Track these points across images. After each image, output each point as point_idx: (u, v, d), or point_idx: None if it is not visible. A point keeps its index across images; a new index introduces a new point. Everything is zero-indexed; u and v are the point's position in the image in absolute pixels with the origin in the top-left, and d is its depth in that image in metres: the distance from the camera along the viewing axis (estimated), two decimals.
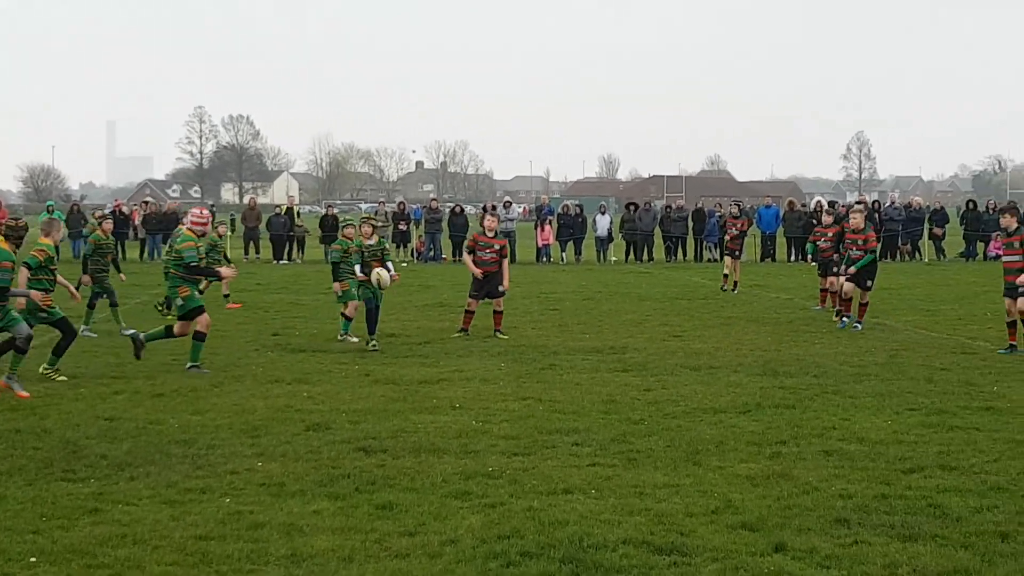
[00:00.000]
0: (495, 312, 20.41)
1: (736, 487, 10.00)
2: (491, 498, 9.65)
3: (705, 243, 47.05)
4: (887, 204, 50.55)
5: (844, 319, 21.82)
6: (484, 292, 20.29)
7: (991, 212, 46.79)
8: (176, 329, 16.81)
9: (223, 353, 18.00)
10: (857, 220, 22.10)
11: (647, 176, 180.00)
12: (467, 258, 20.90)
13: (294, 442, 11.76)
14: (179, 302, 16.68)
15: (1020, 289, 17.69)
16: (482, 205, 54.98)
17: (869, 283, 21.69)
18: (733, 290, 29.96)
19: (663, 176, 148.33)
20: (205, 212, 17.65)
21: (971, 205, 48.06)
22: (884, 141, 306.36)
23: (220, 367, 16.62)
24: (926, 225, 46.53)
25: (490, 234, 20.67)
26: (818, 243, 25.27)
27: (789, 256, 45.62)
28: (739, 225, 31.22)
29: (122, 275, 22.96)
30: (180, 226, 18.57)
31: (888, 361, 17.42)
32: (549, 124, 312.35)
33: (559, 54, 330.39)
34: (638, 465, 10.85)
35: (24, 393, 14.19)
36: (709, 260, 45.95)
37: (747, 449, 11.47)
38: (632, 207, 48.01)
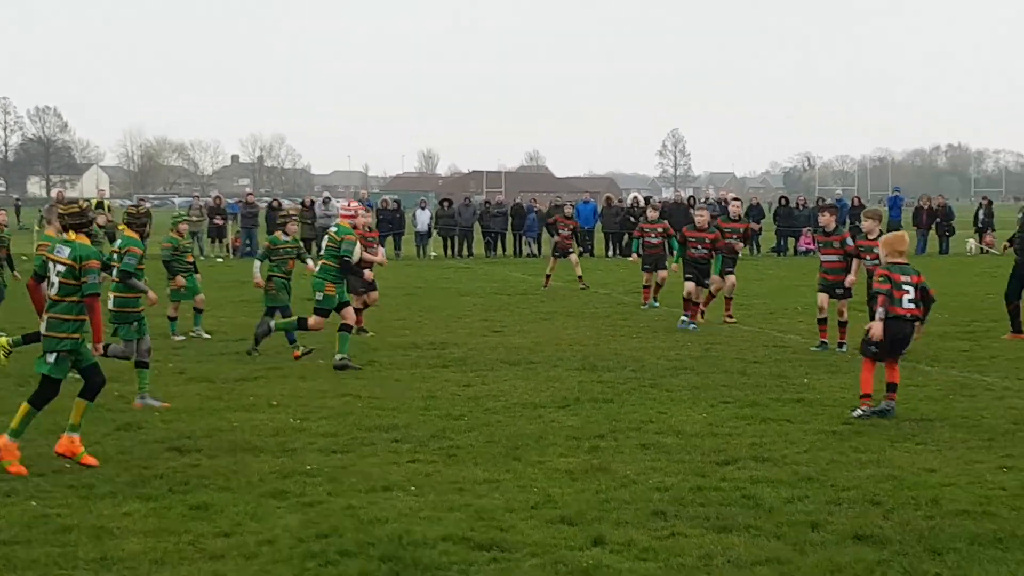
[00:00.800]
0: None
1: (555, 481, 10.04)
2: (309, 497, 9.51)
3: (524, 238, 47.31)
4: (702, 200, 51.54)
5: (690, 324, 21.07)
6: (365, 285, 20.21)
7: (800, 208, 48.15)
8: (311, 323, 16.73)
9: (29, 352, 17.38)
10: (702, 219, 21.63)
11: (467, 171, 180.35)
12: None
13: (104, 442, 11.43)
14: (319, 296, 16.63)
15: (839, 291, 18.10)
16: (300, 200, 54.20)
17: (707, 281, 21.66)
18: (582, 286, 29.90)
19: (483, 171, 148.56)
20: (354, 204, 17.75)
21: (783, 201, 49.37)
22: (698, 138, 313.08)
23: (27, 365, 16.03)
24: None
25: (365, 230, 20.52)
26: (644, 239, 25.36)
27: (607, 251, 46.15)
28: (571, 225, 31.32)
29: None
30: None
31: (703, 355, 17.73)
32: (368, 118, 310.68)
33: (377, 47, 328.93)
34: (458, 461, 10.81)
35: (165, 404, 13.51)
36: (528, 255, 46.22)
37: (566, 443, 11.53)
38: (446, 203, 47.98)
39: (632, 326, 21.64)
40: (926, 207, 47.64)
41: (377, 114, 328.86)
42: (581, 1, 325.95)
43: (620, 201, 51.97)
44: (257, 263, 18.75)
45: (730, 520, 8.83)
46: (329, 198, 51.37)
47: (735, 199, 25.13)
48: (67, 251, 10.66)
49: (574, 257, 30.87)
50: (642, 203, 46.32)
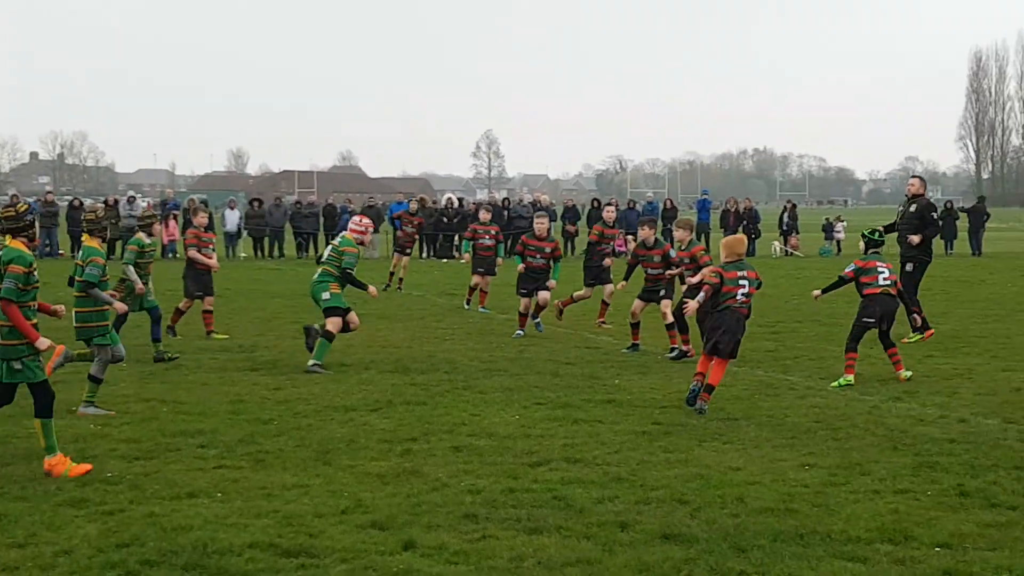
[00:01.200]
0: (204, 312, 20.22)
1: (366, 486, 9.92)
2: (110, 505, 9.21)
3: None
4: (516, 201, 51.82)
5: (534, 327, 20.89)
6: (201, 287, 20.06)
7: (629, 207, 48.70)
8: (332, 327, 16.51)
9: None
10: (542, 227, 20.89)
11: (278, 171, 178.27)
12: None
13: None
14: (326, 297, 16.60)
15: (662, 293, 18.36)
16: (103, 199, 52.78)
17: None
18: (398, 287, 29.78)
19: (294, 171, 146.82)
20: (365, 220, 17.81)
21: (596, 203, 49.85)
22: (513, 140, 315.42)
23: None
24: (559, 223, 47.94)
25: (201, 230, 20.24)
26: (477, 241, 25.15)
27: (421, 253, 46.07)
28: (415, 223, 31.07)
29: None
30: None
31: (517, 357, 17.77)
32: (174, 115, 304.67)
33: (181, 41, 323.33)
34: (267, 466, 10.61)
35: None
36: None
37: (378, 447, 11.41)
38: (257, 203, 47.28)
39: (447, 328, 21.60)
40: (733, 210, 48.78)
41: (184, 111, 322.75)
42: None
43: (434, 202, 51.96)
44: (131, 268, 17.98)
45: (541, 521, 8.83)
46: (134, 197, 50.20)
47: (608, 205, 24.61)
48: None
49: (406, 260, 30.71)
50: (456, 204, 46.42)
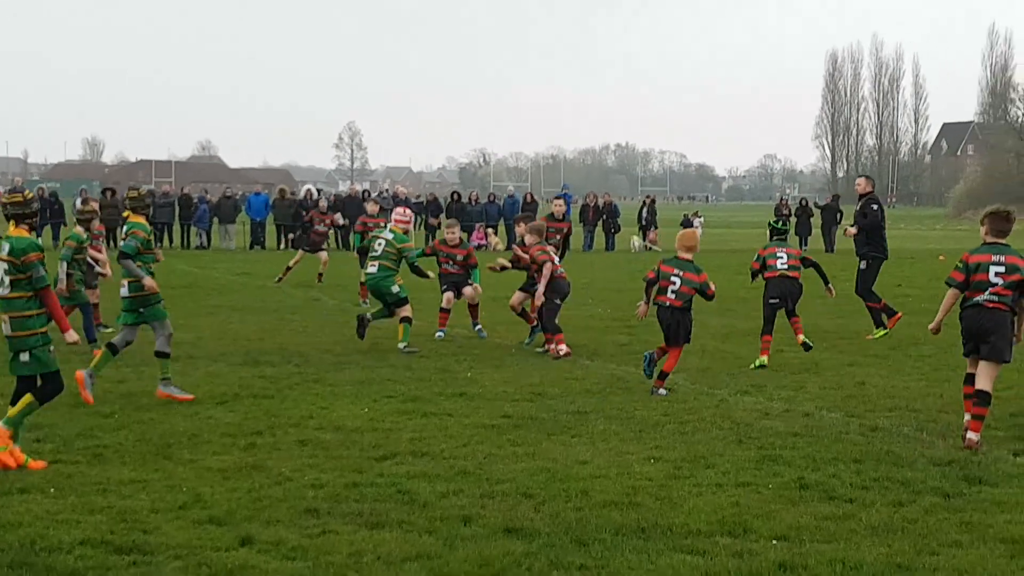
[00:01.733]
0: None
1: (206, 481, 9.72)
2: None
3: (195, 229, 46.22)
4: (376, 193, 51.51)
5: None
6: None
7: (473, 203, 48.69)
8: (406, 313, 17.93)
9: None
10: (453, 235, 19.96)
11: (134, 160, 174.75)
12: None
13: None
14: (395, 290, 17.98)
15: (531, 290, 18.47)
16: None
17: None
18: (277, 280, 29.12)
19: (151, 160, 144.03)
20: (408, 211, 19.36)
21: (455, 196, 49.74)
22: (375, 131, 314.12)
23: None
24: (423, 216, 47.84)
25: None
26: (364, 233, 24.35)
27: (279, 244, 45.58)
28: (327, 221, 30.14)
29: None
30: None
31: (370, 349, 17.62)
32: (27, 103, 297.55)
33: (33, 23, 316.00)
34: (104, 461, 10.35)
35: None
36: (198, 247, 45.18)
37: (221, 441, 11.20)
38: (110, 192, 46.23)
39: (300, 320, 21.37)
40: (592, 204, 49.10)
41: (37, 98, 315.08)
42: None
43: (293, 193, 51.41)
44: (64, 264, 17.45)
45: (384, 516, 8.74)
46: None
47: (558, 199, 23.96)
48: (6, 247, 10.34)
49: (324, 255, 29.29)
50: (315, 195, 45.98)
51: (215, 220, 47.24)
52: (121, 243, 13.96)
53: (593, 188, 74.69)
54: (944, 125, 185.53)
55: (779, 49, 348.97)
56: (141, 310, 13.81)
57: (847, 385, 14.70)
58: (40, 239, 11.52)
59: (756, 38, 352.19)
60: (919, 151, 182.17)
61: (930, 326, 12.25)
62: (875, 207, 20.18)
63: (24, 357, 10.35)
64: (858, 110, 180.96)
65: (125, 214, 14.69)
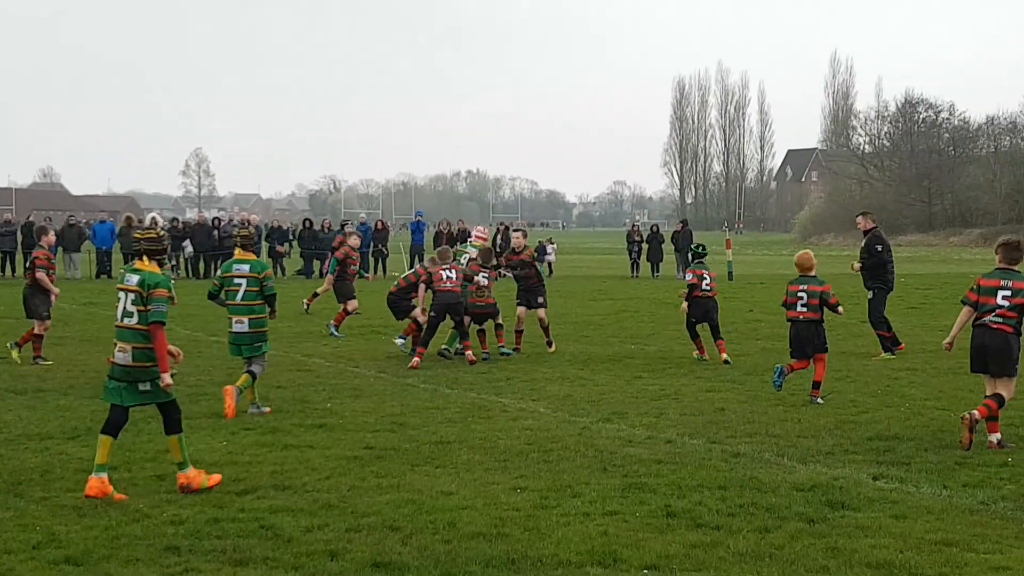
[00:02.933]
0: None
1: (61, 519, 9.40)
2: None
3: None
4: (226, 221, 50.73)
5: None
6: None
7: (326, 231, 48.23)
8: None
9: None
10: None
11: None
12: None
13: None
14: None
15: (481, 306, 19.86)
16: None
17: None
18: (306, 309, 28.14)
19: None
20: (486, 230, 21.36)
21: (307, 224, 49.25)
22: (224, 158, 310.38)
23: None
24: (264, 244, 47.25)
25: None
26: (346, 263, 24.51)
27: None
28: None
29: None
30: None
31: (226, 380, 17.21)
32: None
33: None
34: None
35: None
36: None
37: (75, 477, 10.83)
38: None
39: None
40: (446, 231, 49.03)
41: None
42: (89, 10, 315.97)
43: (140, 221, 50.33)
44: None
45: (247, 552, 8.52)
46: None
47: (516, 231, 23.78)
48: (135, 278, 10.58)
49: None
50: (160, 223, 45.09)
51: (60, 249, 46.06)
52: None
53: (445, 215, 74.74)
54: (789, 152, 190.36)
55: (628, 76, 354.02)
56: None
57: (707, 411, 14.82)
58: None
59: (605, 65, 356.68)
60: (765, 177, 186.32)
61: (944, 342, 13.47)
62: (879, 248, 21.16)
63: (144, 387, 10.55)
64: (705, 137, 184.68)
65: None
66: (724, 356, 19.50)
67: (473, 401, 15.60)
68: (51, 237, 20.46)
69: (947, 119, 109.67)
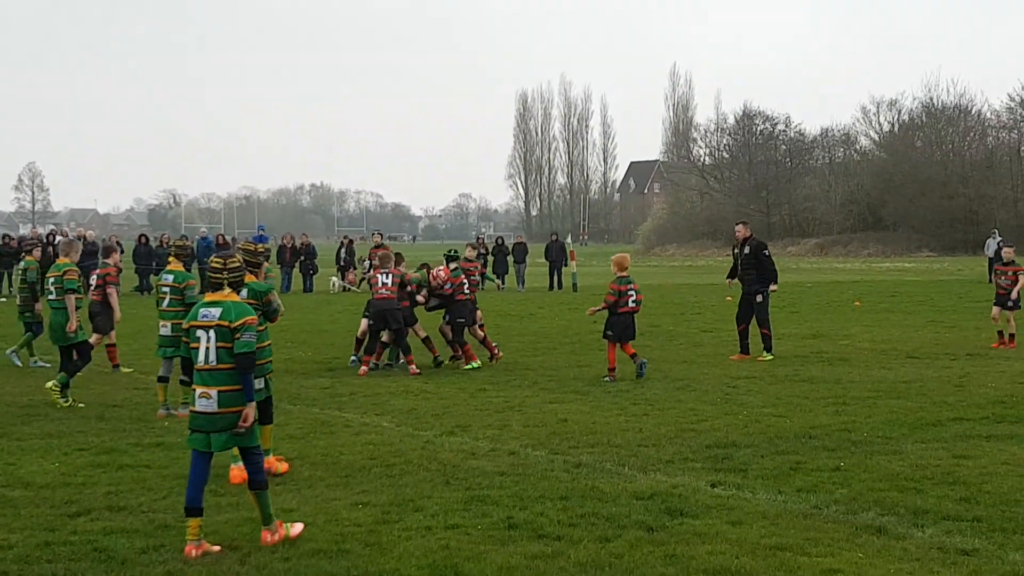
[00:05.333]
0: None
1: None
2: None
3: None
4: (61, 235, 49.49)
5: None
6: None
7: (164, 246, 47.34)
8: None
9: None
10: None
11: None
12: None
13: None
14: None
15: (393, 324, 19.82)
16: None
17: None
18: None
19: None
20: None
21: (143, 239, 48.10)
22: (58, 172, 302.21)
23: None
24: (100, 259, 46.19)
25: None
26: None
27: None
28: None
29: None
30: None
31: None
32: None
33: None
34: None
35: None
36: None
37: None
38: None
39: None
40: (289, 245, 48.58)
41: None
42: None
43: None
44: None
45: (80, 575, 8.30)
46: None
47: (470, 244, 24.21)
48: (245, 292, 11.23)
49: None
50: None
51: None
52: None
53: (289, 229, 74.06)
54: (632, 164, 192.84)
55: (472, 89, 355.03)
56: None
57: (550, 422, 14.89)
58: None
59: (450, 78, 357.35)
60: (608, 189, 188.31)
61: None
62: (767, 252, 22.42)
63: (258, 384, 10.97)
64: (549, 149, 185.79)
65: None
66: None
67: (316, 416, 15.44)
68: (118, 256, 20.29)
69: (783, 131, 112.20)
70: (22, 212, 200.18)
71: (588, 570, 8.47)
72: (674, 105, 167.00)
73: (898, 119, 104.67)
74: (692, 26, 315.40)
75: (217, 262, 9.63)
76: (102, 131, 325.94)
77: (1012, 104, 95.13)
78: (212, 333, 9.30)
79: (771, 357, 21.55)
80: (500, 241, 52.44)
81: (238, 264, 9.70)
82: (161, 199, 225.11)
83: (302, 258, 48.16)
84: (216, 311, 9.37)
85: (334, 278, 48.66)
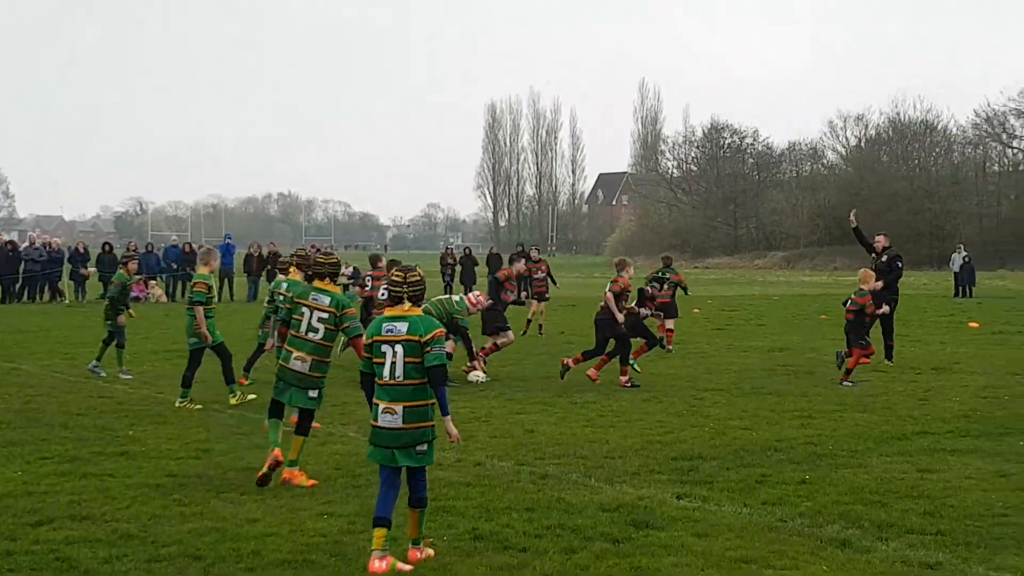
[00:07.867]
0: None
1: None
2: None
3: None
4: (26, 244, 49.04)
5: None
6: None
7: (147, 251, 47.11)
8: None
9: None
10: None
11: None
12: None
13: None
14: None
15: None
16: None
17: None
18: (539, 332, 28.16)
19: None
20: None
21: (107, 247, 47.76)
22: (23, 178, 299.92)
23: None
24: (66, 266, 45.99)
25: None
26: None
27: None
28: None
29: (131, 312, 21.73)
30: None
31: (23, 407, 16.75)
32: None
33: None
34: None
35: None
36: None
37: None
38: None
39: None
40: (256, 254, 48.40)
41: None
42: None
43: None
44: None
45: None
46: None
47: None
48: (327, 299, 11.93)
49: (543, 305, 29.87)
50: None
51: None
52: None
53: (256, 237, 73.65)
54: (600, 176, 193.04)
55: (442, 99, 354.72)
56: None
57: (516, 433, 14.88)
58: None
59: (419, 88, 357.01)
60: (577, 200, 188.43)
61: None
62: (899, 263, 24.23)
63: (313, 394, 12.08)
64: (518, 160, 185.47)
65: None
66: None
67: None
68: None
69: (751, 144, 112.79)
70: None
71: None
72: (643, 118, 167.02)
73: (865, 134, 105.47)
74: (661, 40, 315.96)
75: (397, 276, 9.34)
76: (68, 137, 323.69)
77: (978, 120, 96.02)
78: (400, 348, 9.09)
79: (891, 364, 22.90)
80: (468, 251, 52.44)
81: (418, 278, 9.34)
82: (127, 206, 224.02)
83: (268, 267, 47.98)
84: (403, 326, 9.13)
85: None
